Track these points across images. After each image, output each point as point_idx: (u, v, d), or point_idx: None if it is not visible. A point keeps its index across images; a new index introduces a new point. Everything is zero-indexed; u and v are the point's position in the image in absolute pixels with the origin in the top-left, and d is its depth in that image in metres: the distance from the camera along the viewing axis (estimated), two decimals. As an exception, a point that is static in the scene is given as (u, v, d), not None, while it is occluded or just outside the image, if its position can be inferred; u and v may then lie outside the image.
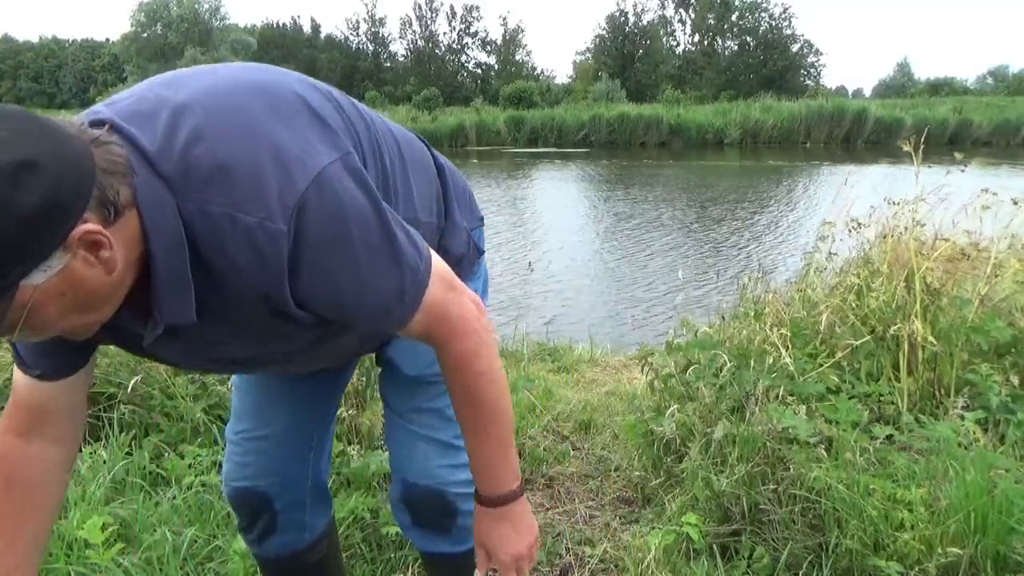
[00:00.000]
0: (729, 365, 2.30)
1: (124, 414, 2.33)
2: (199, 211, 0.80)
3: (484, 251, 1.40)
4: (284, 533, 1.40)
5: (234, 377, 1.43)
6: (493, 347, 1.05)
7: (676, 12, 52.18)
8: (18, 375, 1.02)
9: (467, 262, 1.31)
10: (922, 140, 2.64)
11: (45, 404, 1.01)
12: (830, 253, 3.01)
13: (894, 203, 2.80)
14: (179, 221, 0.80)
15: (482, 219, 1.43)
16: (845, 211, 3.00)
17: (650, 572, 1.86)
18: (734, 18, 49.64)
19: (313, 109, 0.91)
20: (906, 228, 2.68)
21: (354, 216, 0.86)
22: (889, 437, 2.07)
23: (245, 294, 0.87)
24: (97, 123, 0.82)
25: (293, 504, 1.38)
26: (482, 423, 1.06)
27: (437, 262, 0.99)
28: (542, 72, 57.31)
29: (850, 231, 2.88)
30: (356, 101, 1.08)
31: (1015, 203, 2.65)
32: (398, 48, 63.14)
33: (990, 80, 58.56)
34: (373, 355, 1.39)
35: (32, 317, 0.74)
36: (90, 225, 0.73)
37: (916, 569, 1.65)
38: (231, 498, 1.38)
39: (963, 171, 2.77)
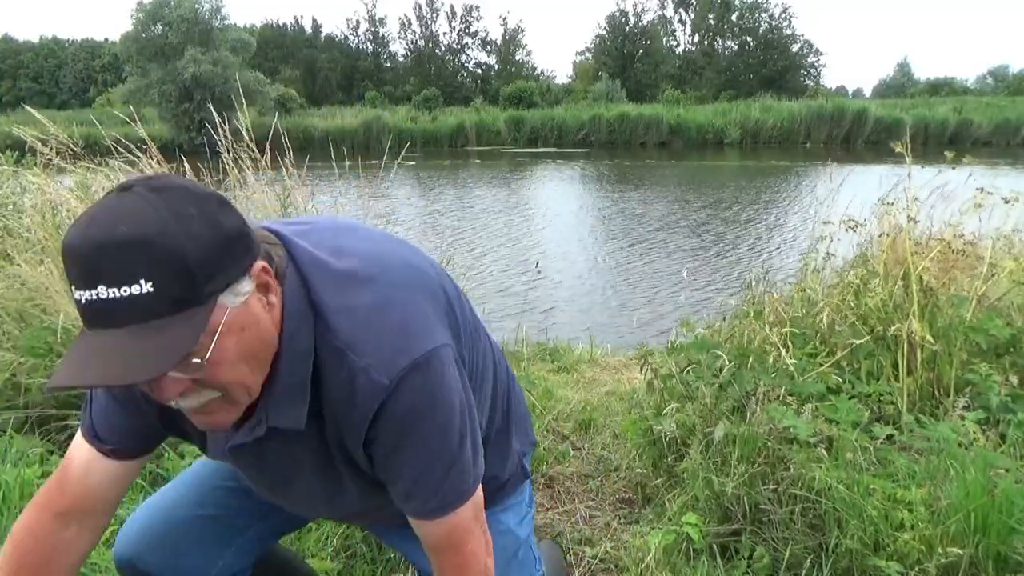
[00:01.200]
0: (729, 365, 2.30)
1: (124, 414, 2.33)
2: (323, 338, 0.90)
3: (530, 475, 1.41)
4: None
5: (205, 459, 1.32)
6: None
7: (676, 12, 52.17)
8: (80, 453, 1.04)
9: (512, 483, 1.34)
10: (920, 141, 2.64)
11: (97, 489, 1.04)
12: (828, 253, 3.01)
13: (889, 203, 2.81)
14: (311, 339, 0.90)
15: (534, 443, 1.44)
16: (843, 211, 3.00)
17: (650, 572, 1.86)
18: (734, 18, 49.59)
19: (448, 299, 1.03)
20: (902, 227, 2.68)
21: (445, 402, 0.95)
22: (889, 437, 2.07)
23: (324, 430, 0.96)
24: (269, 230, 0.96)
25: None
26: None
27: (479, 493, 1.05)
28: (542, 72, 57.30)
29: (847, 230, 2.89)
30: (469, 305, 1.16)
31: (1006, 201, 2.65)
32: (398, 48, 63.18)
33: (990, 80, 58.51)
34: None
35: (218, 350, 0.80)
36: (265, 264, 0.85)
37: (916, 569, 1.65)
38: (117, 566, 1.22)
39: (954, 169, 2.78)
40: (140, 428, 1.04)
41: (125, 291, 0.73)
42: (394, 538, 1.36)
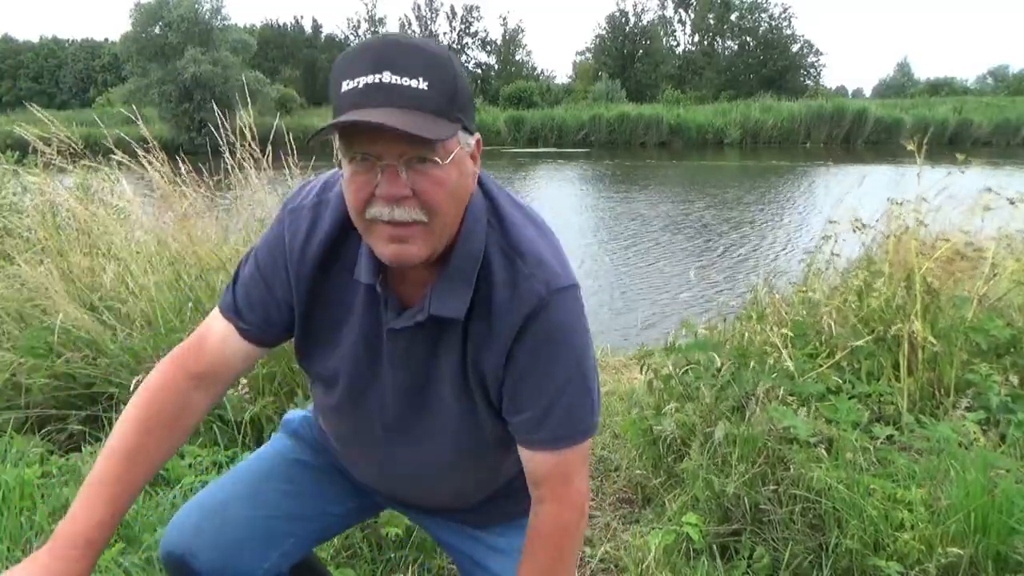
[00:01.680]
0: (728, 365, 2.30)
1: (124, 414, 2.33)
2: (496, 244, 1.01)
3: None
4: None
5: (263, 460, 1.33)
6: (581, 536, 1.12)
7: (676, 12, 52.17)
8: (219, 326, 1.12)
9: None
10: (925, 141, 2.65)
11: (230, 361, 1.12)
12: (832, 254, 3.01)
13: (897, 203, 2.80)
14: (483, 241, 1.01)
15: None
16: (848, 211, 3.00)
17: (650, 572, 1.86)
18: (734, 18, 49.59)
19: None
20: (907, 228, 2.68)
21: (584, 331, 1.05)
22: (889, 437, 2.07)
23: (468, 344, 1.03)
24: None
25: None
26: None
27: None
28: (542, 72, 57.27)
29: (854, 231, 2.89)
30: None
31: (1012, 203, 2.66)
32: (398, 48, 62.78)
33: (990, 80, 58.51)
34: None
35: (446, 170, 0.90)
36: (480, 140, 0.98)
37: (916, 569, 1.65)
38: (165, 560, 1.22)
39: (963, 172, 2.77)
40: (276, 308, 1.10)
41: (407, 81, 0.85)
42: (448, 536, 1.36)
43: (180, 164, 3.23)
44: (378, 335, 1.07)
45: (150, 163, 3.10)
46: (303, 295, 1.09)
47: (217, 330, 1.12)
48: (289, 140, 3.33)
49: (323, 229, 1.06)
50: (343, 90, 0.86)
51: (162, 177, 3.08)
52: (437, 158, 0.89)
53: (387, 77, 0.84)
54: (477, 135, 0.97)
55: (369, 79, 0.85)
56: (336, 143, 0.93)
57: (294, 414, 1.42)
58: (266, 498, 1.25)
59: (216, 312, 1.14)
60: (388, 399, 1.12)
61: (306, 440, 1.35)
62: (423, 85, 0.85)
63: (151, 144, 3.09)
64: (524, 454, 1.09)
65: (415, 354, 1.07)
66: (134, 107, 3.62)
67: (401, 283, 1.05)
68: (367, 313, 1.07)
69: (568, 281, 1.02)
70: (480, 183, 1.04)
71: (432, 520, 1.37)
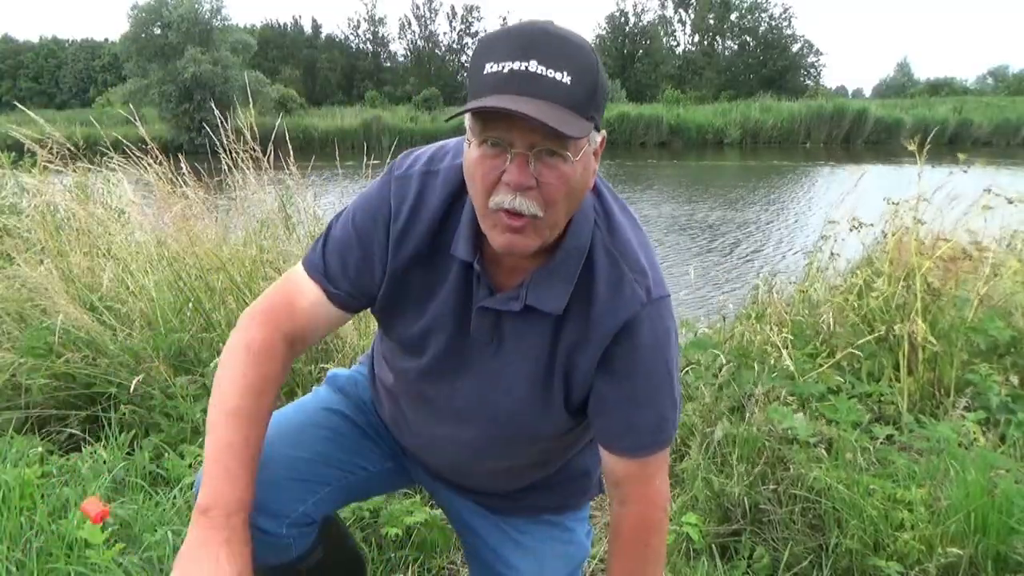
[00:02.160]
0: (728, 365, 2.30)
1: (124, 414, 2.33)
2: (602, 243, 1.03)
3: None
4: (262, 549, 1.21)
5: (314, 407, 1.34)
6: (666, 533, 1.14)
7: (676, 12, 52.15)
8: (309, 287, 1.11)
9: (596, 487, 1.43)
10: (927, 141, 2.65)
11: (319, 323, 1.13)
12: (832, 253, 3.01)
13: (894, 203, 2.81)
14: (589, 239, 1.02)
15: None
16: (848, 211, 3.00)
17: (650, 572, 1.85)
18: (734, 18, 49.58)
19: None
20: (907, 228, 2.68)
21: (674, 343, 1.06)
22: (889, 437, 2.07)
23: (562, 337, 1.04)
24: None
25: (265, 528, 1.21)
26: None
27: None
28: (542, 72, 57.13)
29: (852, 229, 2.89)
30: None
31: (1010, 202, 2.66)
32: (398, 48, 63.20)
33: (990, 80, 58.51)
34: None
35: (572, 168, 0.91)
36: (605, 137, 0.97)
37: (916, 569, 1.65)
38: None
39: (965, 172, 2.77)
40: (369, 273, 1.09)
41: (552, 73, 0.85)
42: (473, 519, 1.36)
43: (182, 164, 3.22)
44: (467, 311, 1.08)
45: (150, 165, 3.09)
46: (403, 261, 1.08)
47: (307, 292, 1.11)
48: (287, 140, 3.33)
49: (432, 200, 1.06)
50: (486, 71, 0.87)
51: (159, 177, 3.07)
52: (568, 153, 0.90)
53: (533, 66, 0.85)
54: (603, 132, 0.97)
55: (516, 65, 0.85)
56: (468, 123, 0.93)
57: (340, 372, 1.43)
58: (308, 441, 1.26)
59: (301, 271, 1.13)
60: (465, 374, 1.12)
61: (350, 397, 1.36)
62: (567, 79, 0.86)
63: (149, 145, 3.09)
64: (606, 456, 1.11)
65: (501, 336, 1.07)
66: (132, 107, 3.62)
67: (497, 265, 1.05)
68: (459, 289, 1.07)
69: (666, 291, 1.05)
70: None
71: (463, 501, 1.36)
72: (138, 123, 3.17)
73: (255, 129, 2.97)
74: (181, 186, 3.12)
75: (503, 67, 0.86)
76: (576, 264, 1.01)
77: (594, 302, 1.01)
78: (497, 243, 0.95)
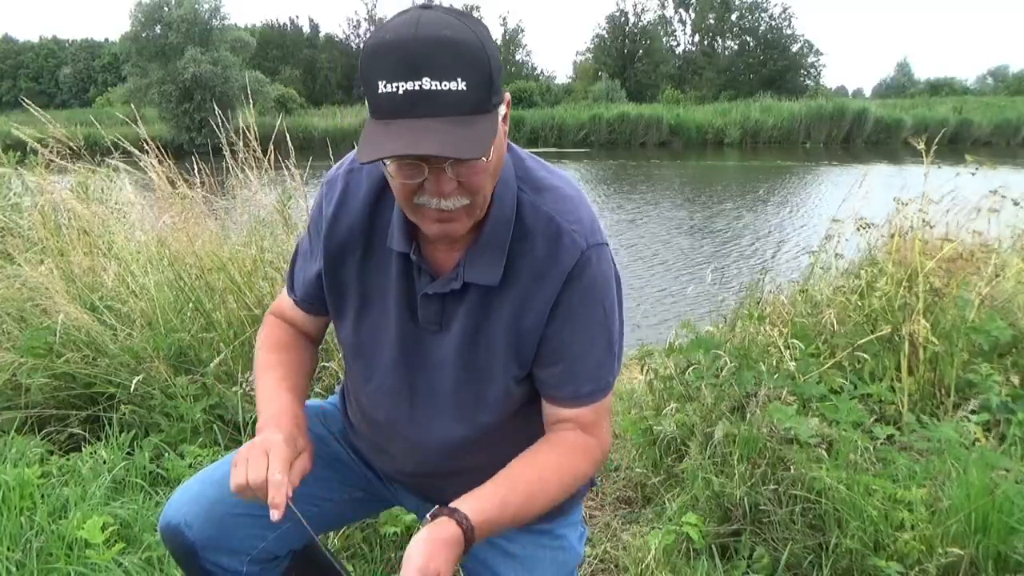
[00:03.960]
0: (730, 365, 2.30)
1: (124, 414, 2.33)
2: (530, 204, 1.04)
3: (595, 483, 1.64)
4: None
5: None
6: (586, 477, 1.13)
7: (676, 12, 52.06)
8: (285, 300, 1.28)
9: (585, 485, 1.43)
10: (933, 140, 2.66)
11: (307, 327, 1.28)
12: (836, 253, 3.01)
13: (904, 203, 2.80)
14: (515, 204, 1.03)
15: None
16: (850, 210, 3.00)
17: (650, 572, 1.86)
18: (734, 18, 49.51)
19: None
20: (911, 228, 2.68)
21: (612, 289, 1.08)
22: (890, 437, 2.07)
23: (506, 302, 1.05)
24: None
25: (225, 566, 1.20)
26: (535, 489, 1.07)
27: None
28: (542, 72, 57.25)
29: (858, 229, 2.88)
30: None
31: (1016, 204, 2.66)
32: (398, 48, 62.71)
33: (990, 80, 58.48)
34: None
35: (489, 160, 0.91)
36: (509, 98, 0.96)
37: (916, 569, 1.65)
38: (163, 531, 1.21)
39: (973, 174, 2.78)
40: (313, 272, 1.18)
41: (446, 85, 0.84)
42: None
43: (184, 163, 3.22)
44: (413, 301, 1.10)
45: (153, 165, 3.09)
46: (335, 249, 1.13)
47: (286, 305, 1.28)
48: (288, 140, 3.33)
49: (358, 192, 1.11)
50: (380, 91, 0.86)
51: (160, 176, 3.07)
52: (484, 156, 0.90)
53: (427, 83, 0.84)
54: (507, 94, 0.96)
55: (409, 86, 0.84)
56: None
57: (309, 403, 1.42)
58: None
59: (282, 292, 1.30)
60: (424, 365, 1.14)
61: (312, 431, 1.34)
62: (462, 86, 0.85)
63: (148, 146, 3.09)
64: (548, 410, 1.12)
65: (449, 319, 1.09)
66: (132, 107, 3.62)
67: (434, 250, 1.08)
68: (402, 279, 1.10)
69: (604, 239, 1.07)
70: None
71: None
72: (139, 123, 3.17)
73: (255, 129, 2.97)
74: (180, 186, 3.12)
75: (397, 88, 0.85)
76: (505, 232, 1.03)
77: (536, 260, 1.03)
78: (431, 232, 0.98)
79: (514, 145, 1.09)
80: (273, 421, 1.08)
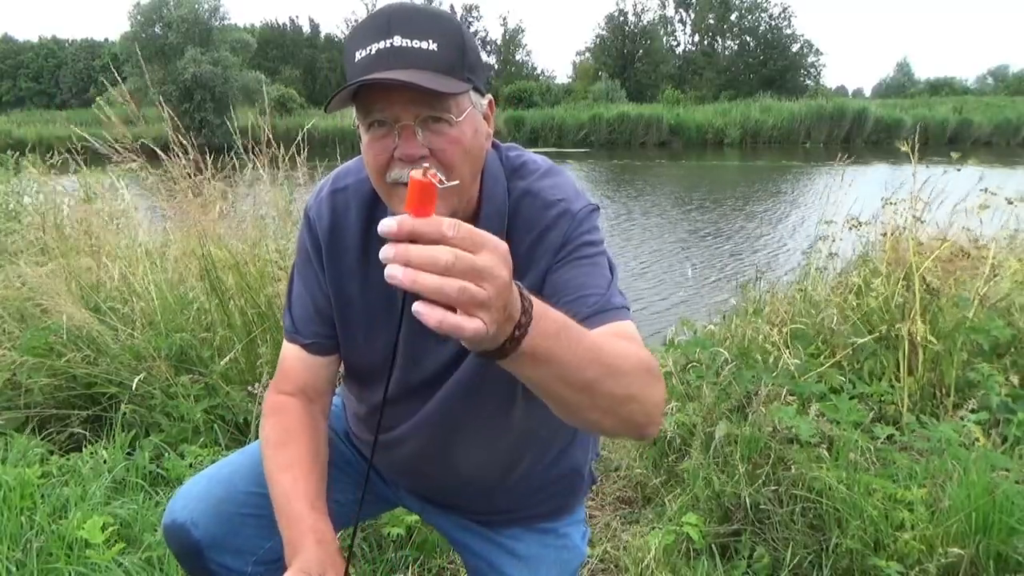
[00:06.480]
0: (731, 364, 2.30)
1: (125, 414, 2.33)
2: (522, 192, 1.06)
3: (597, 479, 1.51)
4: None
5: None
6: (655, 380, 0.97)
7: (676, 12, 52.13)
8: (288, 348, 1.18)
9: (587, 484, 1.40)
10: (923, 140, 2.65)
11: (309, 375, 1.18)
12: (831, 253, 3.01)
13: (891, 203, 2.81)
14: (506, 198, 1.06)
15: (598, 453, 1.55)
16: (845, 210, 3.00)
17: (650, 572, 1.86)
18: (734, 18, 49.55)
19: None
20: (904, 227, 2.69)
21: (603, 245, 1.08)
22: (890, 437, 2.07)
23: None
24: None
25: (229, 566, 1.20)
26: (608, 344, 0.87)
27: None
28: (542, 72, 57.26)
29: (850, 228, 2.89)
30: None
31: (1009, 202, 2.66)
32: (398, 48, 62.79)
33: (990, 80, 58.53)
34: None
35: (460, 128, 0.92)
36: (492, 101, 1.01)
37: (916, 569, 1.65)
38: (167, 530, 1.21)
39: (959, 171, 2.78)
40: (321, 310, 1.15)
41: (416, 44, 0.89)
42: (464, 537, 1.35)
43: (188, 163, 3.22)
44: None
45: (156, 167, 3.09)
46: (340, 276, 1.12)
47: (288, 354, 1.19)
48: (303, 139, 3.32)
49: (349, 212, 1.10)
50: (356, 59, 0.90)
51: (158, 177, 3.07)
52: (451, 115, 0.91)
53: (397, 41, 0.88)
54: (489, 96, 0.99)
55: (380, 44, 0.89)
56: (355, 116, 0.95)
57: None
58: None
59: (285, 340, 1.21)
60: (435, 371, 1.13)
61: None
62: (432, 46, 0.89)
63: (174, 144, 3.09)
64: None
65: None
66: (133, 106, 3.62)
67: None
68: (403, 296, 1.05)
69: (588, 201, 1.08)
70: (492, 146, 1.08)
71: (448, 519, 1.35)
72: (141, 122, 3.17)
73: (255, 129, 2.97)
74: (178, 184, 3.12)
75: (370, 49, 0.89)
76: (499, 225, 1.04)
77: (531, 246, 1.04)
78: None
79: (498, 142, 1.11)
80: (299, 552, 1.03)
